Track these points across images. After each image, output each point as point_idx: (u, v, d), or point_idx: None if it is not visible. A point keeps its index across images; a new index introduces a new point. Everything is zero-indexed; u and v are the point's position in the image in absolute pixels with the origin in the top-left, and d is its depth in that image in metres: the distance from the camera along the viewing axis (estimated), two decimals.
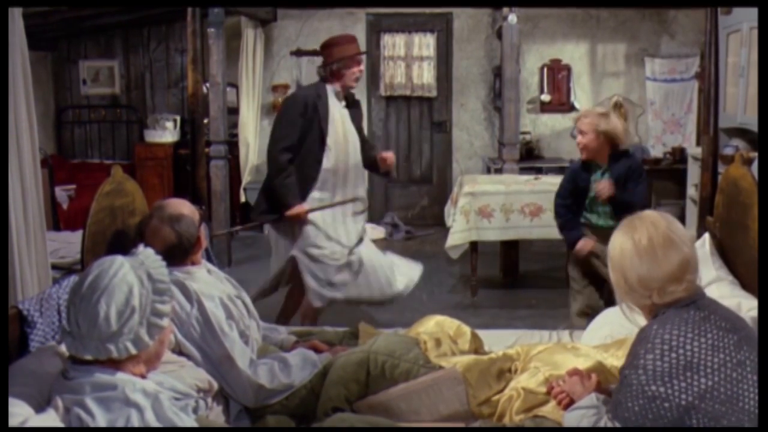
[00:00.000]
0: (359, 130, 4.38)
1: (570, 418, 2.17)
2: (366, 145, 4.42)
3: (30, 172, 2.75)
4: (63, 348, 2.02)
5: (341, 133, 4.21)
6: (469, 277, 5.63)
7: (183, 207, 2.74)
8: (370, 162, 4.43)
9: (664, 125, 8.08)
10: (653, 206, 7.85)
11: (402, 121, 8.51)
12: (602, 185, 3.90)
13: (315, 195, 4.18)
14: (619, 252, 2.01)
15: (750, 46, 5.77)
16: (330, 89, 4.22)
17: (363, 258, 4.26)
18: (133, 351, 1.82)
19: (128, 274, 1.83)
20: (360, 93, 8.29)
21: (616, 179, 3.87)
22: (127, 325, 1.80)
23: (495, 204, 5.36)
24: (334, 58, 4.18)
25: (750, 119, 5.82)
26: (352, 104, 4.37)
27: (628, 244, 1.98)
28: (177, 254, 2.65)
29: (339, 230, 4.22)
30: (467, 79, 8.33)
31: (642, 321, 2.10)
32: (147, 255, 1.93)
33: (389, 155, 4.44)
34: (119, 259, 1.87)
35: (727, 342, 1.87)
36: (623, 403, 1.91)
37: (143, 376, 1.89)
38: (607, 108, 4.17)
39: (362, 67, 4.32)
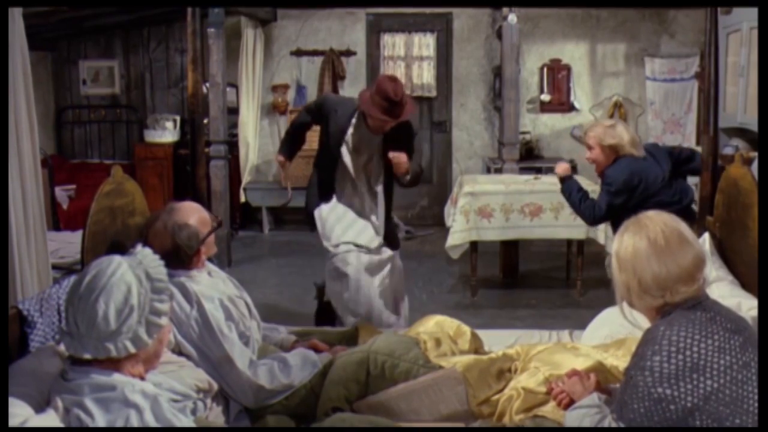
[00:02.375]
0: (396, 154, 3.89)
1: (571, 418, 2.16)
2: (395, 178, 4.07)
3: (30, 172, 2.75)
4: (63, 348, 2.02)
5: (352, 154, 4.01)
6: (469, 277, 5.63)
7: (191, 216, 2.69)
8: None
9: (664, 125, 8.08)
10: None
11: None
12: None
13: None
14: (631, 252, 1.96)
15: (750, 46, 5.77)
16: (359, 113, 3.96)
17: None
18: (132, 350, 1.82)
19: (126, 273, 1.83)
20: None
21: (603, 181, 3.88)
22: (126, 324, 1.80)
23: (495, 204, 5.36)
24: (362, 102, 3.84)
25: (750, 119, 5.82)
26: (399, 130, 3.92)
27: (643, 244, 1.94)
28: (172, 261, 2.62)
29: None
30: (467, 79, 8.33)
31: (642, 320, 2.09)
32: (145, 254, 1.93)
33: (396, 155, 3.86)
34: (117, 258, 1.87)
35: (733, 344, 1.86)
36: (629, 404, 1.90)
37: (142, 377, 1.89)
38: (615, 119, 4.06)
39: (384, 125, 3.87)
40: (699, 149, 3.82)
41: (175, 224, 2.64)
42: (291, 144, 4.39)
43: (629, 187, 3.85)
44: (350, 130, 3.98)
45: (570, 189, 4.05)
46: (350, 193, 4.13)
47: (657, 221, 1.97)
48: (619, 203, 3.85)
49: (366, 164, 4.09)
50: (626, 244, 1.98)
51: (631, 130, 4.04)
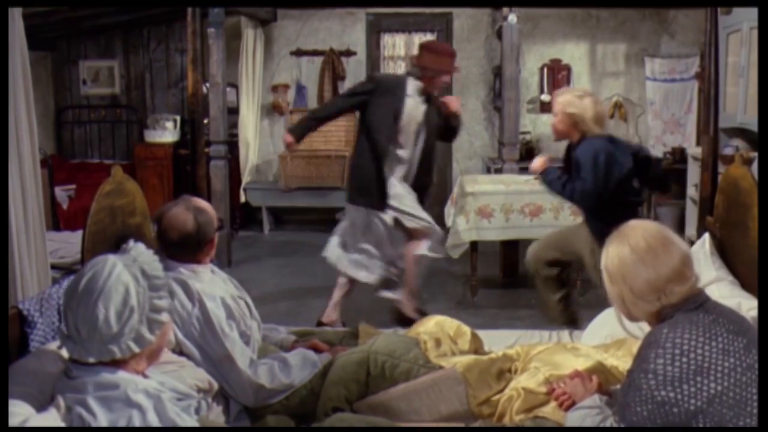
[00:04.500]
0: (435, 125, 4.67)
1: (573, 418, 2.16)
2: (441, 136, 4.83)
3: (30, 172, 2.76)
4: (64, 351, 2.01)
5: (410, 125, 4.56)
6: (469, 277, 5.62)
7: (207, 206, 2.79)
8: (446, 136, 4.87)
9: (664, 125, 8.08)
10: (653, 207, 7.86)
11: None
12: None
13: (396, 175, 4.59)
14: (618, 262, 1.99)
15: (750, 46, 5.77)
16: (412, 85, 4.56)
17: None
18: (136, 349, 1.81)
19: (122, 274, 1.81)
20: None
21: (573, 166, 3.71)
22: (128, 325, 1.79)
23: (495, 204, 5.36)
24: (427, 64, 4.51)
25: (750, 119, 5.82)
26: (430, 102, 4.65)
27: (626, 251, 1.97)
28: (190, 245, 2.66)
29: None
30: (467, 79, 8.32)
31: (643, 327, 2.08)
32: (139, 251, 1.90)
33: (451, 99, 4.71)
34: (111, 258, 1.85)
35: (736, 346, 1.86)
36: (632, 406, 1.89)
37: (144, 374, 1.89)
38: (586, 91, 3.84)
39: (449, 78, 4.68)
40: (699, 150, 3.79)
41: (196, 207, 2.70)
42: (311, 128, 4.61)
43: (598, 166, 3.62)
44: (405, 106, 4.52)
45: (550, 181, 3.85)
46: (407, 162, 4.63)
47: (637, 229, 2.00)
48: (596, 185, 3.63)
49: (414, 134, 4.60)
50: (611, 256, 2.01)
51: (601, 106, 3.84)
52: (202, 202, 2.79)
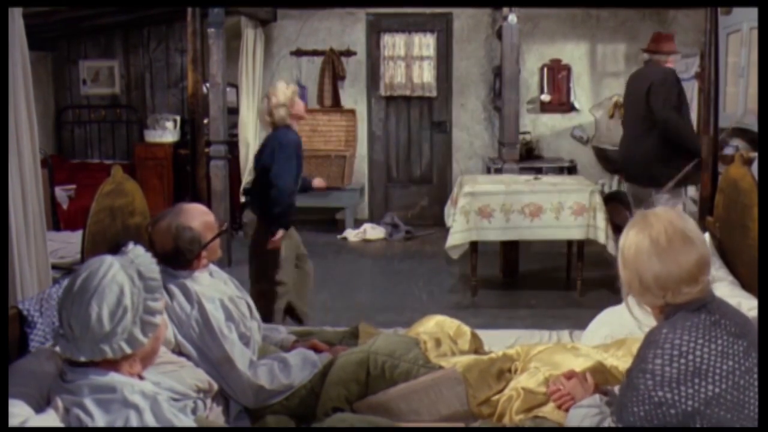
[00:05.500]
0: None
1: (573, 416, 2.16)
2: None
3: (30, 172, 2.76)
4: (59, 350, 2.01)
5: None
6: (469, 277, 5.62)
7: (196, 219, 2.71)
8: None
9: None
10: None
11: (402, 121, 8.51)
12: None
13: None
14: (634, 250, 1.93)
15: (750, 46, 5.77)
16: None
17: None
18: (128, 351, 1.81)
19: (118, 274, 1.81)
20: (360, 93, 8.33)
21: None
22: (121, 325, 1.79)
23: (495, 204, 5.36)
24: (670, 49, 5.25)
25: (750, 119, 5.82)
26: None
27: (645, 242, 1.91)
28: (171, 262, 2.64)
29: None
30: (467, 79, 8.33)
31: (647, 319, 2.07)
32: (137, 253, 1.90)
33: None
34: (108, 259, 1.85)
35: (736, 349, 1.84)
36: (629, 407, 1.88)
37: (140, 375, 1.89)
38: None
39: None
40: None
41: (178, 226, 2.65)
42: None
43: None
44: None
45: None
46: None
47: (663, 219, 1.94)
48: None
49: None
50: (630, 242, 1.96)
51: None
52: (192, 215, 2.71)
